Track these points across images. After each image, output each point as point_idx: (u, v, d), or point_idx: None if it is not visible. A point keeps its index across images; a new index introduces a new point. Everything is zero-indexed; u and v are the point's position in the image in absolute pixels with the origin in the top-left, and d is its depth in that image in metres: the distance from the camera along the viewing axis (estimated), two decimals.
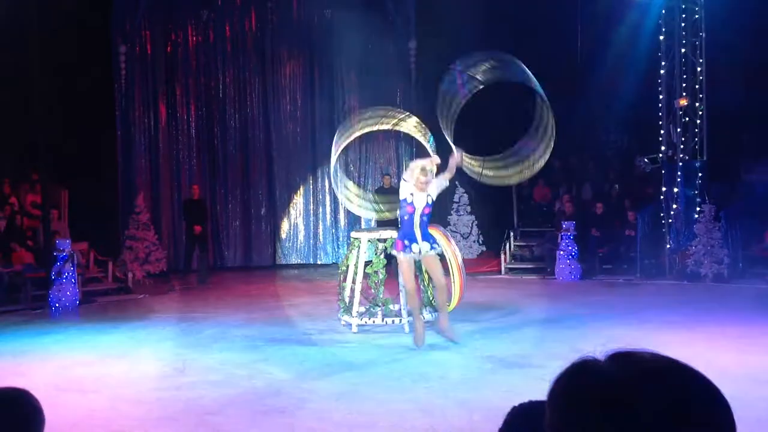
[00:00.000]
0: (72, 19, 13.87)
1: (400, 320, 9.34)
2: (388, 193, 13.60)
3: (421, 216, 8.20)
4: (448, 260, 9.75)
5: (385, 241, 9.55)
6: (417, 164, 8.29)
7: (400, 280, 9.09)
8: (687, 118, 14.17)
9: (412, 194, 8.18)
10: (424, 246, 8.21)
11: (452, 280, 9.72)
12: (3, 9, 12.05)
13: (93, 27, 15.13)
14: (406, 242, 8.22)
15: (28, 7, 12.45)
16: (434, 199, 8.29)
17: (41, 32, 12.63)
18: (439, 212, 14.99)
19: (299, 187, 17.18)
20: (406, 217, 8.27)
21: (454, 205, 17.08)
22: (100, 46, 15.52)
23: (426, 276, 9.55)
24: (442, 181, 8.31)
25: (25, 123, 13.68)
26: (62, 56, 13.81)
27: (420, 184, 8.12)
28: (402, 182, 8.35)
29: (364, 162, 17.25)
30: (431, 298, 9.62)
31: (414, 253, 8.21)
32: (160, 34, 16.45)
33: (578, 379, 1.07)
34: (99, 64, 15.50)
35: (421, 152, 17.02)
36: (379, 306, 9.70)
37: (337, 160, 9.38)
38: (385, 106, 16.81)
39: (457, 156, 8.37)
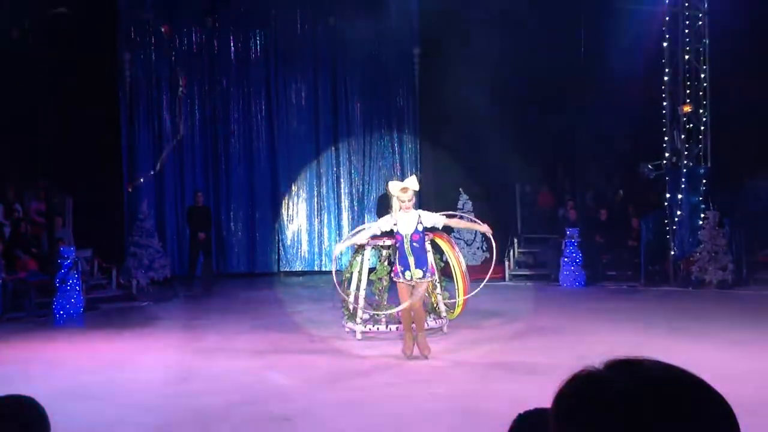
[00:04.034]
0: (77, 26, 13.91)
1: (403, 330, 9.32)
2: (391, 201, 13.59)
3: (411, 243, 8.04)
4: (452, 267, 9.75)
5: (389, 248, 9.54)
6: (396, 185, 8.21)
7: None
8: (691, 125, 14.16)
9: (395, 224, 8.09)
10: (417, 273, 8.08)
11: (456, 287, 9.72)
12: (8, 18, 12.10)
13: (98, 34, 15.18)
14: (401, 268, 8.14)
15: (33, 14, 12.51)
16: (425, 227, 8.14)
17: (47, 40, 12.69)
18: None
19: (303, 194, 17.19)
20: (398, 245, 8.23)
21: (458, 212, 17.07)
22: (105, 53, 15.57)
23: (430, 284, 9.54)
24: (439, 219, 8.23)
25: (29, 131, 13.72)
26: (67, 63, 13.86)
27: (400, 203, 8.02)
28: (383, 220, 8.31)
29: (368, 169, 17.26)
30: (435, 306, 9.62)
31: (406, 279, 8.12)
32: (165, 41, 16.48)
33: (581, 389, 1.07)
34: (104, 71, 15.54)
35: (424, 158, 17.08)
36: (383, 313, 9.69)
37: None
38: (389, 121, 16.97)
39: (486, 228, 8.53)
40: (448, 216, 8.50)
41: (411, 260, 8.06)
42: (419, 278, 8.12)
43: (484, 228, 8.56)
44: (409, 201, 8.01)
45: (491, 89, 14.78)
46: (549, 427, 1.10)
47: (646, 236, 14.08)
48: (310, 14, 16.94)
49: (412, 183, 8.16)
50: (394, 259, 8.45)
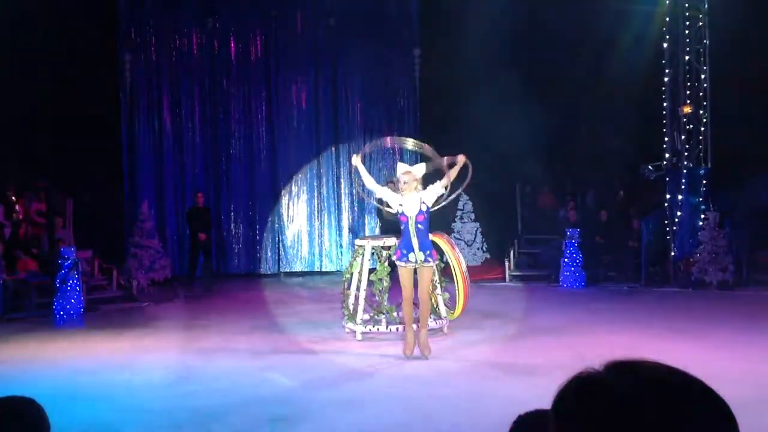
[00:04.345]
0: (77, 27, 13.92)
1: (404, 327, 9.30)
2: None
3: (416, 224, 8.08)
4: (452, 268, 9.75)
5: (389, 248, 9.54)
6: (402, 167, 8.32)
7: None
8: (691, 126, 14.16)
9: (401, 204, 8.14)
10: (420, 256, 8.10)
11: (456, 288, 9.72)
12: (9, 19, 12.10)
13: (98, 35, 15.19)
14: (404, 251, 8.17)
15: (34, 16, 12.52)
16: (429, 206, 8.16)
17: (47, 40, 12.69)
18: (444, 220, 15.00)
19: (303, 195, 17.19)
20: (402, 227, 8.25)
21: (459, 213, 17.09)
22: (105, 54, 15.57)
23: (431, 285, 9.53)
24: (438, 188, 8.19)
25: (30, 131, 13.73)
26: (68, 64, 13.86)
27: (401, 184, 8.12)
28: (386, 195, 8.34)
29: (368, 169, 17.22)
30: (435, 306, 9.61)
31: (411, 262, 8.14)
32: (166, 42, 16.49)
33: (581, 390, 1.07)
34: (104, 71, 15.55)
35: (425, 158, 17.06)
36: (384, 313, 9.69)
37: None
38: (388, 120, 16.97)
39: (460, 157, 8.30)
40: (443, 178, 8.26)
41: (415, 242, 8.08)
42: (422, 261, 8.12)
43: (461, 158, 8.33)
44: (405, 183, 8.08)
45: (491, 90, 14.78)
46: (549, 429, 1.10)
47: (647, 237, 14.08)
48: (310, 15, 16.93)
49: (418, 169, 8.23)
50: (398, 244, 8.43)
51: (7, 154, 13.74)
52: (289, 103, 17.08)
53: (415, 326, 8.46)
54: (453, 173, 8.31)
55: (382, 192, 8.40)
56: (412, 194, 8.12)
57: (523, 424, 1.73)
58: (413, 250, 8.10)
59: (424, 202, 8.11)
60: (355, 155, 8.84)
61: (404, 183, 8.11)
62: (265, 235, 16.99)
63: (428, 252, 8.16)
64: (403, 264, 8.18)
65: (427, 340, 8.39)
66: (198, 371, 7.92)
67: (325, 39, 16.98)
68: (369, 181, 8.60)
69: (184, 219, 15.90)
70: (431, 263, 8.26)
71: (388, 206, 8.54)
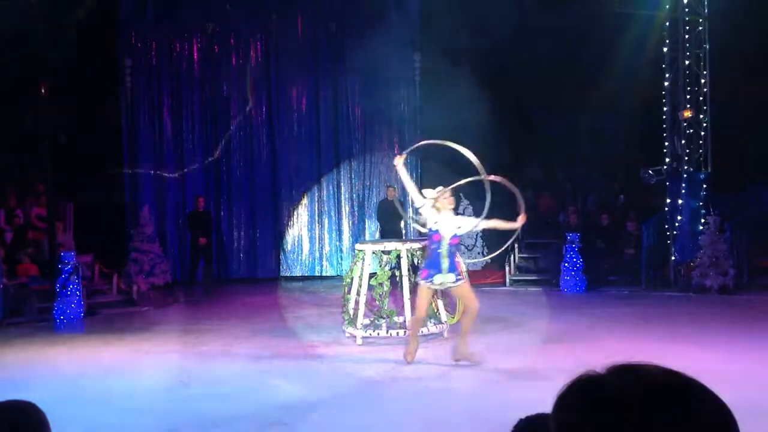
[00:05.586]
0: (78, 32, 13.93)
1: (405, 332, 9.31)
2: (391, 206, 13.65)
3: (449, 246, 7.79)
4: None
5: (389, 252, 9.54)
6: (431, 191, 7.98)
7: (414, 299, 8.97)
8: (691, 130, 14.17)
9: (436, 222, 7.81)
10: (448, 278, 7.82)
11: None
12: (11, 24, 12.12)
13: (99, 40, 15.20)
14: (431, 271, 7.83)
15: (35, 20, 12.54)
16: (463, 233, 7.94)
17: (48, 45, 12.71)
18: None
19: (304, 199, 17.20)
20: (432, 246, 7.90)
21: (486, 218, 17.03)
22: (106, 59, 15.59)
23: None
24: (480, 224, 7.97)
25: (30, 135, 13.74)
26: (69, 69, 13.87)
27: (444, 201, 7.80)
28: (424, 208, 7.91)
29: (368, 174, 17.26)
30: (435, 311, 9.60)
31: (435, 284, 7.87)
32: (166, 46, 16.51)
33: (582, 393, 1.07)
34: (105, 76, 15.56)
35: (425, 162, 17.08)
36: (384, 318, 9.68)
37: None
38: (398, 123, 16.93)
39: (521, 219, 8.05)
40: (487, 218, 7.95)
41: (445, 264, 7.77)
42: (451, 283, 7.87)
43: (520, 223, 8.11)
44: (446, 200, 7.82)
45: (492, 95, 14.79)
46: None
47: (647, 241, 14.08)
48: (310, 19, 16.95)
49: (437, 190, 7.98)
50: (422, 261, 8.27)
51: (7, 159, 13.75)
52: (289, 107, 17.09)
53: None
54: (500, 225, 8.00)
55: (421, 203, 7.94)
56: (450, 214, 7.88)
57: (525, 427, 1.73)
58: (441, 272, 7.79)
59: (459, 227, 7.86)
60: (398, 156, 8.26)
61: (446, 199, 7.81)
62: (265, 240, 16.99)
63: (456, 272, 7.89)
64: (426, 285, 7.88)
65: (468, 348, 8.12)
66: (198, 376, 7.91)
67: (325, 43, 16.99)
68: (411, 187, 8.17)
69: (184, 223, 15.90)
70: (463, 280, 8.04)
71: (422, 220, 8.11)
